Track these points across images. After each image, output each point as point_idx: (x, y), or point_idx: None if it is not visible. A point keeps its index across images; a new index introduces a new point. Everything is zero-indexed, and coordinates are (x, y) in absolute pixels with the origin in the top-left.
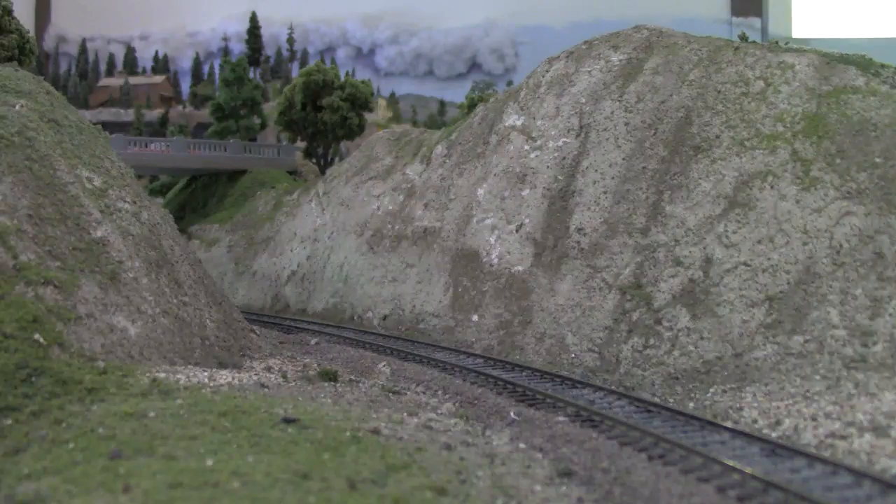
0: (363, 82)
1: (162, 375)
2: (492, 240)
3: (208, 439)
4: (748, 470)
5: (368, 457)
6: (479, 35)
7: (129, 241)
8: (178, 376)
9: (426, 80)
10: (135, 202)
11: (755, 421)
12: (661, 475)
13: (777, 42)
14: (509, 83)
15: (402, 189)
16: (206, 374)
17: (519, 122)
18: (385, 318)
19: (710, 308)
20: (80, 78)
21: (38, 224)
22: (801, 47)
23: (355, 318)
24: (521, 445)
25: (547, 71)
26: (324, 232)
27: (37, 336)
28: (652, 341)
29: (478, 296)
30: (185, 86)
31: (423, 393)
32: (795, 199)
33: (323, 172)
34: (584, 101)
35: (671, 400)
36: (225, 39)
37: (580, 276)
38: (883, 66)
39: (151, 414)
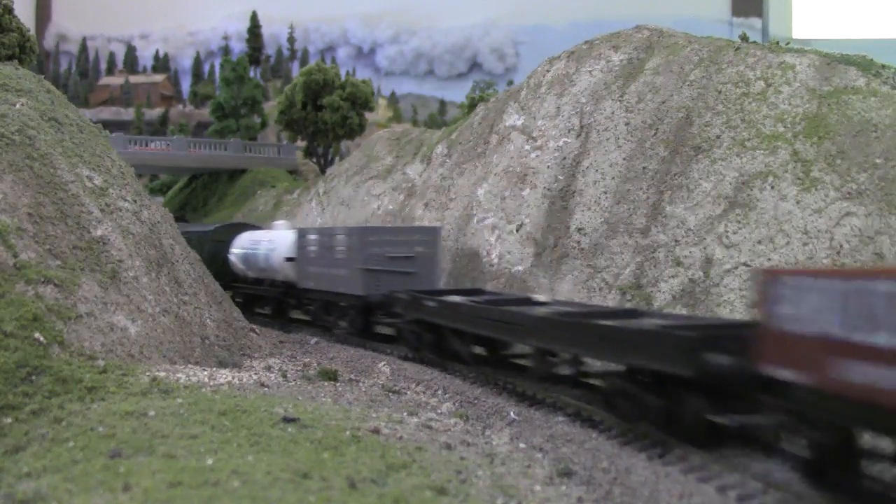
0: (363, 82)
1: (162, 374)
2: (492, 239)
3: (208, 438)
4: None
5: (368, 456)
6: (480, 34)
7: (130, 239)
8: (178, 375)
9: (426, 80)
10: (135, 201)
11: None
12: (660, 475)
13: (778, 42)
14: (510, 83)
15: (403, 188)
16: (206, 373)
17: (519, 122)
18: None
19: (711, 308)
20: (80, 77)
21: (39, 222)
22: (802, 48)
23: None
24: (521, 445)
25: (547, 71)
26: None
27: (37, 335)
28: None
29: None
30: (186, 85)
31: (423, 392)
32: (796, 200)
33: (323, 172)
34: (584, 100)
35: None
36: (225, 38)
37: (580, 276)
38: (884, 66)
39: (151, 413)
